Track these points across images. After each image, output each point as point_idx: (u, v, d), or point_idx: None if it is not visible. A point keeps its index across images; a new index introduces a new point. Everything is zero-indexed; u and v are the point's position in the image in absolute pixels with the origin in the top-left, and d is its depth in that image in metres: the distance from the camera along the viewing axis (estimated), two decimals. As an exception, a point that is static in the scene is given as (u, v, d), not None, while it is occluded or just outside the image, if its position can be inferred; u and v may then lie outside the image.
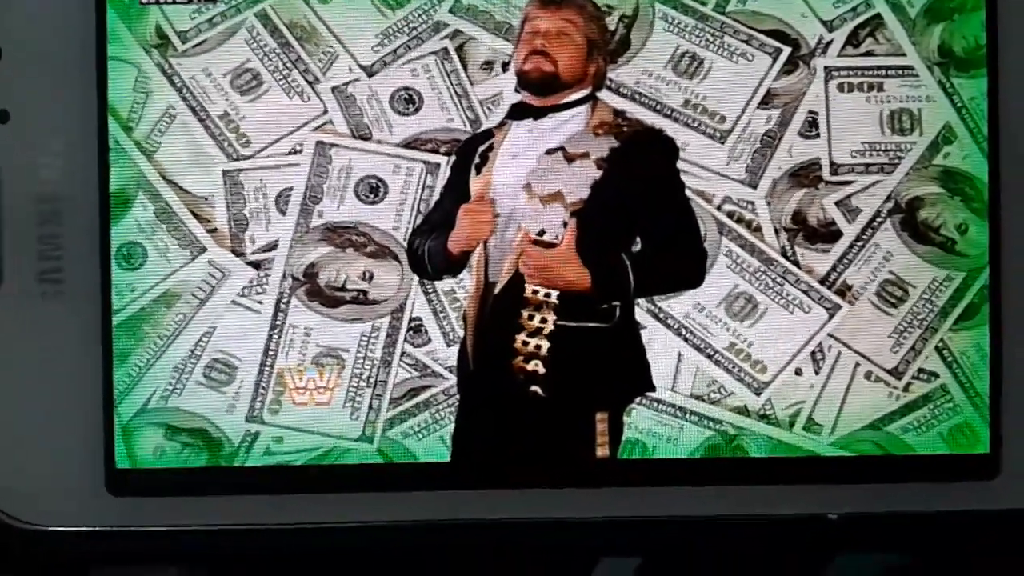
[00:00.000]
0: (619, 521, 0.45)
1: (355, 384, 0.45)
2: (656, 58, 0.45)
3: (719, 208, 0.45)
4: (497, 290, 0.44)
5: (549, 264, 0.44)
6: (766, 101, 0.45)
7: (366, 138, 0.45)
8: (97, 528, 0.45)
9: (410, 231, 0.45)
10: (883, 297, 0.45)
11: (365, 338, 0.45)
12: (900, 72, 0.45)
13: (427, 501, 0.45)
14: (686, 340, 0.45)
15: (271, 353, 0.45)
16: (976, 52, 0.45)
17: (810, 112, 0.45)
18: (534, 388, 0.44)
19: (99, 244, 0.44)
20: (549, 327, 0.44)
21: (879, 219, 0.45)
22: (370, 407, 0.45)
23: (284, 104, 0.45)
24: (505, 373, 0.44)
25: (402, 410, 0.45)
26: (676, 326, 0.45)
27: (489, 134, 0.45)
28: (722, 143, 0.45)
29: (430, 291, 0.45)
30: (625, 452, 0.45)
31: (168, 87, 0.44)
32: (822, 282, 0.45)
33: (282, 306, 0.45)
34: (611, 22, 0.45)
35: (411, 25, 0.45)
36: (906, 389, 0.45)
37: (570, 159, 0.44)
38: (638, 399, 0.45)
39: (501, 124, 0.45)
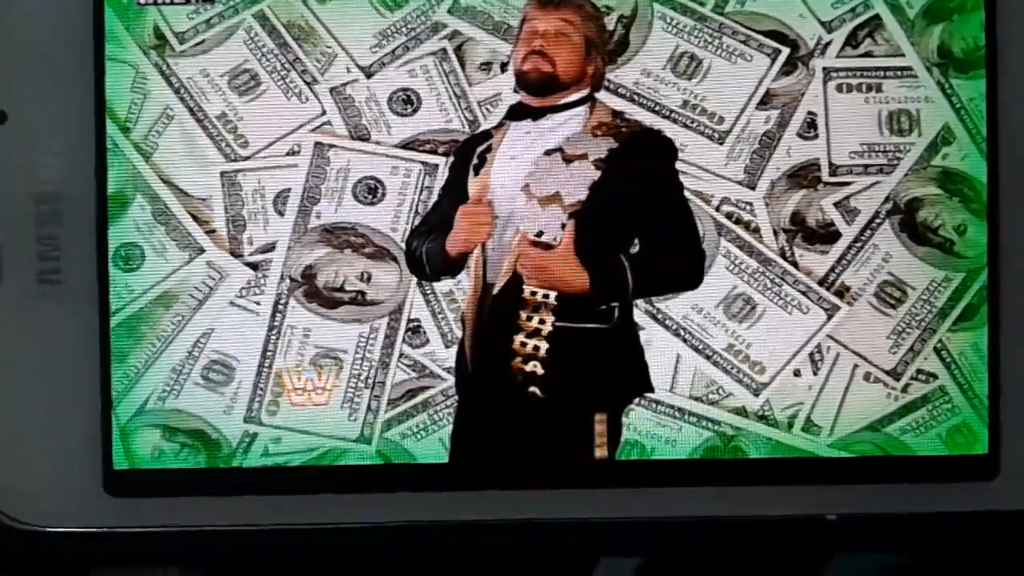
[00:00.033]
0: (618, 522, 0.45)
1: (353, 385, 0.45)
2: (655, 59, 0.45)
3: (718, 209, 0.45)
4: (495, 291, 0.44)
5: (547, 265, 0.44)
6: (765, 102, 0.45)
7: (364, 139, 0.45)
8: (95, 529, 0.45)
9: (408, 232, 0.45)
10: (882, 298, 0.45)
11: (363, 339, 0.45)
12: (899, 73, 0.45)
13: (425, 502, 0.45)
14: (685, 341, 0.45)
15: (269, 354, 0.45)
16: (975, 53, 0.45)
17: (809, 113, 0.45)
18: (532, 389, 0.44)
19: (97, 245, 0.44)
20: (548, 328, 0.44)
21: (878, 220, 0.45)
22: (368, 408, 0.45)
23: (282, 105, 0.45)
24: (503, 374, 0.44)
25: (400, 411, 0.45)
26: (675, 327, 0.45)
27: (487, 135, 0.45)
28: (721, 144, 0.45)
29: (428, 292, 0.45)
30: (624, 453, 0.45)
31: (166, 88, 0.44)
32: (821, 283, 0.45)
33: (280, 307, 0.45)
34: (610, 22, 0.44)
35: (409, 26, 0.45)
36: (905, 390, 0.45)
37: (568, 160, 0.44)
38: (637, 400, 0.45)
39: (499, 125, 0.45)
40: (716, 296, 0.45)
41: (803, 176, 0.45)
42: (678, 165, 0.45)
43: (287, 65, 0.45)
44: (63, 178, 0.44)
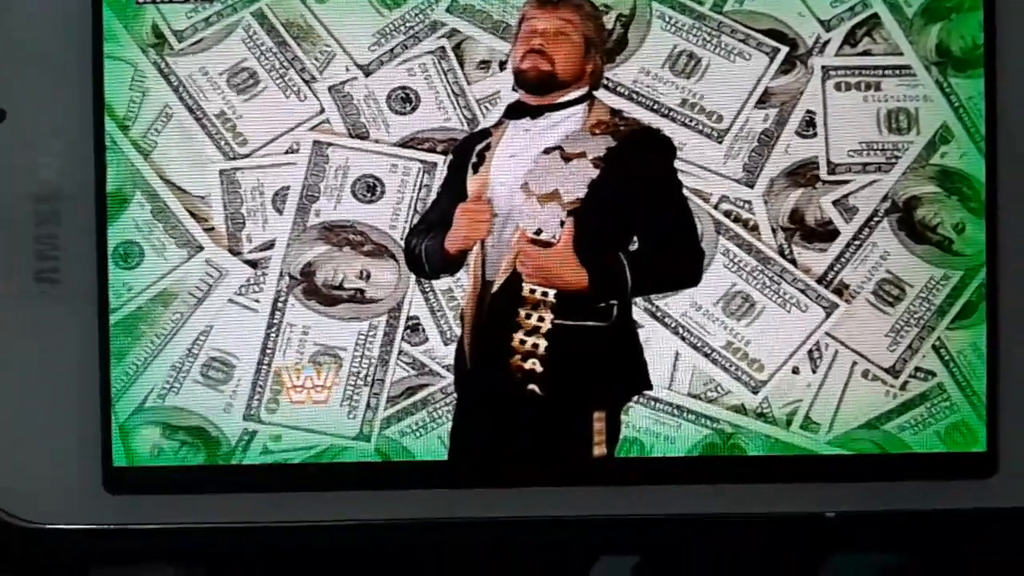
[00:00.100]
0: (617, 519, 0.45)
1: (352, 383, 0.45)
2: (653, 57, 0.45)
3: (716, 207, 0.45)
4: (494, 289, 0.44)
5: (546, 263, 0.44)
6: (763, 100, 0.45)
7: (363, 137, 0.45)
8: (94, 526, 0.45)
9: (407, 230, 0.45)
10: (880, 296, 0.45)
11: (362, 337, 0.45)
12: (897, 71, 0.45)
13: (424, 499, 0.45)
14: (683, 339, 0.45)
15: (268, 352, 0.45)
16: (974, 52, 0.45)
17: (807, 111, 0.45)
18: (531, 387, 0.44)
19: (96, 243, 0.44)
20: (546, 326, 0.44)
21: (876, 218, 0.45)
22: (367, 406, 0.45)
23: (281, 103, 0.45)
24: (502, 372, 0.44)
25: (399, 408, 0.45)
26: (673, 325, 0.45)
27: (486, 133, 0.45)
28: (719, 142, 0.45)
29: (427, 290, 0.45)
30: (622, 450, 0.45)
31: (165, 86, 0.44)
32: (819, 281, 0.45)
33: (279, 305, 0.45)
34: (608, 21, 0.44)
35: (408, 24, 0.45)
36: (903, 388, 0.45)
37: (567, 158, 0.44)
38: (635, 398, 0.45)
39: (498, 123, 0.45)
40: (715, 294, 0.45)
41: (802, 174, 0.45)
42: (677, 163, 0.45)
43: (286, 63, 0.45)
44: (62, 177, 0.44)
